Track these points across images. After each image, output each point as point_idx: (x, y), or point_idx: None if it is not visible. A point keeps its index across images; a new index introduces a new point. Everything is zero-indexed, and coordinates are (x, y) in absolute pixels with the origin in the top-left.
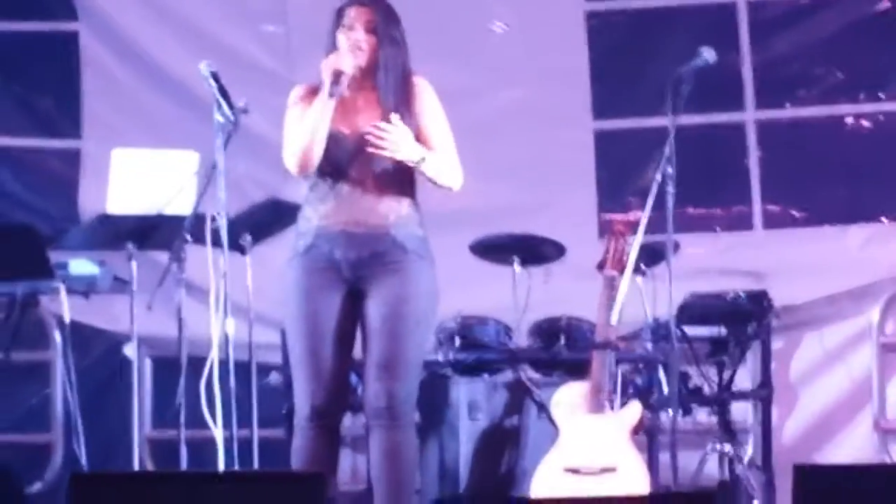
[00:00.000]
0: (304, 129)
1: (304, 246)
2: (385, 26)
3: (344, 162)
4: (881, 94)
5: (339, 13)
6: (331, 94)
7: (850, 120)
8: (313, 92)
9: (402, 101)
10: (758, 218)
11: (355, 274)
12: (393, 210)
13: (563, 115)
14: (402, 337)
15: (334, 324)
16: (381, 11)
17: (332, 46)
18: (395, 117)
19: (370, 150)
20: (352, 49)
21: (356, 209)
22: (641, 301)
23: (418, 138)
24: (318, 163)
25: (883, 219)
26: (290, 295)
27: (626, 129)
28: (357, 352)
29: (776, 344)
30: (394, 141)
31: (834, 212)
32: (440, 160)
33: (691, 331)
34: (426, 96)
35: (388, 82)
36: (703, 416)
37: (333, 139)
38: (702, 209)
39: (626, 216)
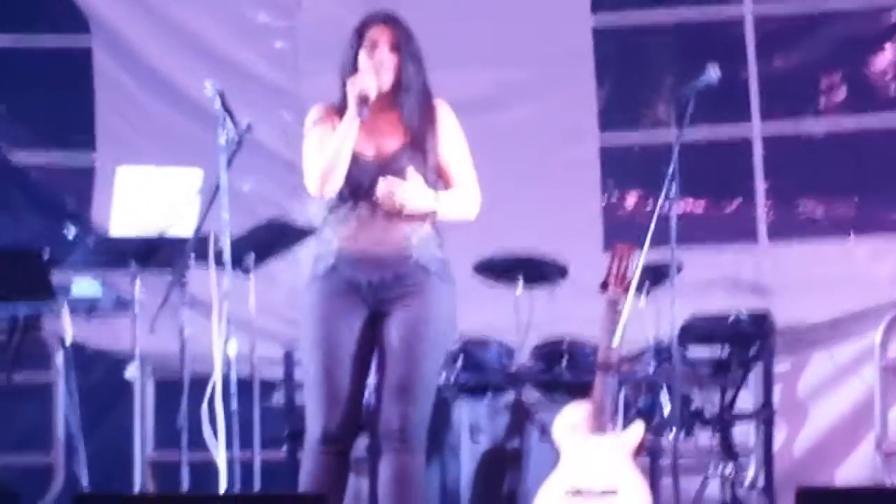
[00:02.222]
0: (328, 152)
1: (324, 269)
2: (407, 45)
3: (365, 184)
4: (888, 107)
5: (360, 32)
6: (359, 116)
7: (856, 134)
8: (332, 112)
9: (425, 122)
10: (763, 232)
11: (376, 296)
12: (415, 232)
13: (570, 129)
14: (420, 360)
15: (353, 348)
16: (402, 30)
17: (353, 66)
18: (411, 171)
19: (385, 207)
20: (376, 68)
21: (378, 231)
22: (644, 322)
23: (438, 165)
24: (340, 185)
25: (891, 233)
26: (309, 318)
27: (633, 143)
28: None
29: (781, 365)
30: (407, 198)
31: (840, 226)
32: (455, 198)
33: (693, 352)
34: (447, 121)
35: (412, 102)
36: (706, 438)
37: (355, 161)
38: (708, 222)
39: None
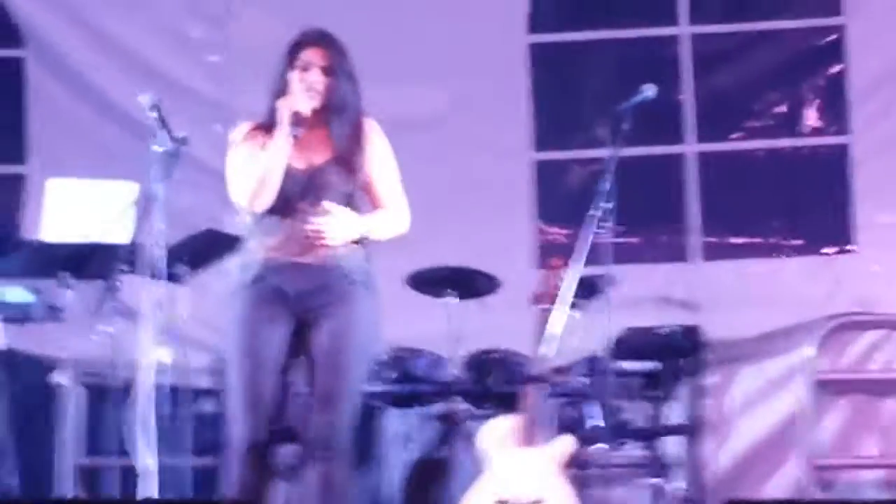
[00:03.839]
0: (260, 168)
1: (250, 278)
2: (340, 66)
3: (294, 196)
4: (821, 128)
5: (293, 52)
6: (293, 136)
7: (789, 153)
8: (259, 129)
9: (353, 142)
10: (695, 250)
11: (303, 305)
12: (340, 242)
13: (504, 146)
14: (345, 369)
15: (278, 356)
16: (337, 52)
17: (283, 86)
18: (330, 205)
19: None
20: (307, 90)
21: (304, 241)
22: (575, 335)
23: (367, 183)
24: (272, 200)
25: (822, 251)
26: (234, 326)
27: (567, 160)
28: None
29: (711, 378)
30: (335, 232)
31: (772, 245)
32: (384, 220)
33: (626, 365)
34: (377, 141)
35: (342, 123)
36: (636, 450)
37: (284, 173)
38: (640, 241)
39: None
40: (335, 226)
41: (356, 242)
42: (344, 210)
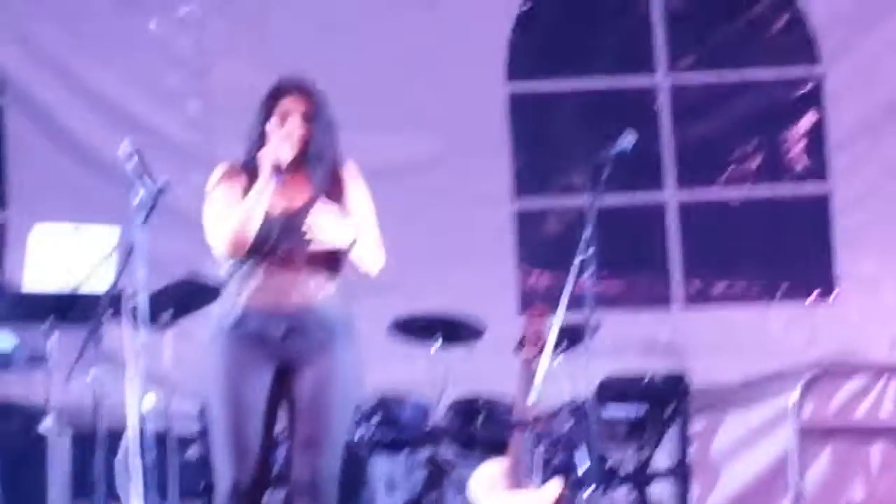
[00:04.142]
0: (239, 215)
1: (229, 323)
2: (319, 115)
3: (271, 241)
4: (802, 175)
5: (272, 99)
6: (276, 183)
7: (771, 200)
8: (235, 172)
9: (332, 187)
10: (678, 296)
11: (283, 351)
12: (321, 288)
13: (485, 193)
14: (328, 415)
15: (260, 400)
16: (315, 99)
17: (262, 132)
18: (322, 204)
19: (305, 233)
20: (287, 138)
21: (285, 287)
22: (560, 381)
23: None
24: (249, 245)
25: (804, 299)
26: (215, 372)
27: (547, 208)
28: (279, 427)
29: (696, 424)
30: (326, 227)
31: (754, 292)
32: (365, 246)
33: (610, 411)
34: (355, 183)
35: (321, 169)
36: (622, 495)
37: (263, 219)
38: (623, 287)
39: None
40: (326, 221)
41: (331, 279)
42: (334, 208)
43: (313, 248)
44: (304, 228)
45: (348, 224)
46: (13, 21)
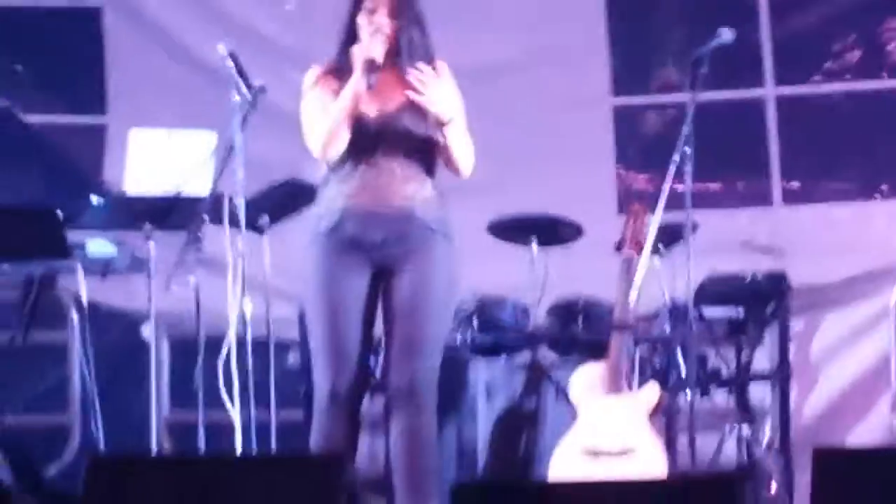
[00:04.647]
0: (332, 116)
1: (326, 227)
2: (408, 9)
3: (368, 143)
4: None
5: None
6: (368, 84)
7: (871, 95)
8: (329, 73)
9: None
10: (777, 195)
11: (380, 254)
12: (418, 191)
13: (582, 92)
14: (426, 317)
15: (358, 305)
16: None
17: (352, 28)
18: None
19: (410, 95)
20: (375, 33)
21: (381, 190)
22: (659, 282)
23: (435, 122)
24: (343, 148)
25: None
26: (312, 276)
27: (646, 105)
28: (377, 332)
29: (796, 325)
30: (434, 92)
31: (855, 189)
32: (462, 132)
33: (709, 312)
34: (446, 81)
35: (413, 66)
36: (721, 397)
37: (357, 121)
38: (721, 186)
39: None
40: (435, 87)
41: (427, 182)
42: (447, 83)
43: (408, 148)
44: (411, 79)
45: (453, 101)
46: None
